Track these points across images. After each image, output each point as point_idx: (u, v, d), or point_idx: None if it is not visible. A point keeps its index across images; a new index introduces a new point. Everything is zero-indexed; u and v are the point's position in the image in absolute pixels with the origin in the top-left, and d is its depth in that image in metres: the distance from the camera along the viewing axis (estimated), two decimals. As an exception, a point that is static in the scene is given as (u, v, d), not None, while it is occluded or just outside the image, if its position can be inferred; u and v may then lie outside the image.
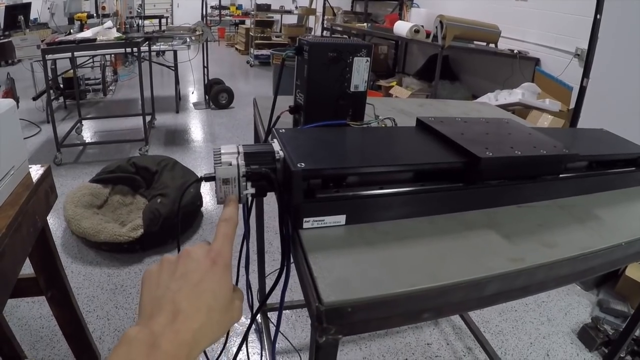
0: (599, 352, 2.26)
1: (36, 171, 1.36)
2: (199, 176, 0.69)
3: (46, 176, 1.38)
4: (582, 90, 3.22)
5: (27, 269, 1.49)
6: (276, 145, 0.75)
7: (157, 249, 2.81)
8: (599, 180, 1.05)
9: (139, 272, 2.60)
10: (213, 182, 0.68)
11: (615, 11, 3.09)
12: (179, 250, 0.98)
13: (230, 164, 0.68)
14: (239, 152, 0.70)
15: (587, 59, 3.16)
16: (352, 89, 1.06)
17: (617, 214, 0.96)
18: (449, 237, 0.78)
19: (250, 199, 0.73)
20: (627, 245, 0.84)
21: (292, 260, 0.74)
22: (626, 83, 3.23)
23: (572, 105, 3.71)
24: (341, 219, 0.74)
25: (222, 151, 0.70)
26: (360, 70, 1.05)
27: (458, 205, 0.85)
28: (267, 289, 2.20)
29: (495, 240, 0.78)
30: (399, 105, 1.58)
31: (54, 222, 3.11)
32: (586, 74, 3.18)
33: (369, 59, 1.05)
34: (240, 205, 0.69)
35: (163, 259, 0.56)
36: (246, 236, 1.01)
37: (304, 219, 0.72)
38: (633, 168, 1.10)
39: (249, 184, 0.69)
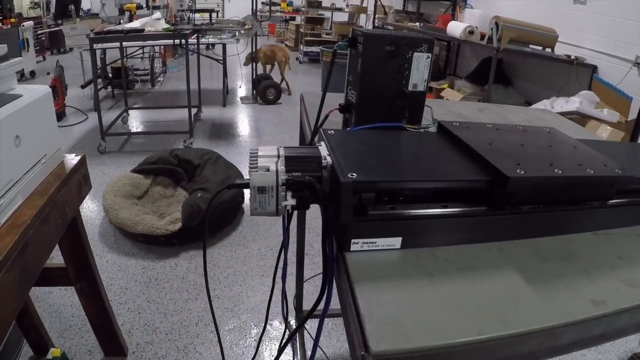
0: (650, 384, 2.08)
1: (70, 160, 1.31)
2: (234, 182, 0.59)
3: (80, 166, 1.33)
4: (645, 100, 3.01)
5: (59, 258, 1.46)
6: (323, 149, 0.64)
7: (195, 244, 2.74)
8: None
9: (175, 267, 2.55)
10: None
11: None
12: (204, 254, 0.89)
13: (268, 170, 0.57)
14: (279, 156, 0.60)
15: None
16: (410, 88, 0.94)
17: None
18: (521, 270, 0.66)
19: (290, 211, 0.62)
20: None
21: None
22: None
23: (631, 116, 3.46)
24: (396, 242, 0.63)
25: (260, 153, 0.60)
26: (420, 68, 0.93)
27: (529, 232, 0.73)
28: (305, 294, 2.13)
29: (572, 276, 0.67)
30: (457, 109, 1.45)
31: (94, 210, 3.11)
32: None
33: (430, 55, 0.94)
34: None
35: None
36: (285, 245, 0.91)
37: (352, 240, 0.60)
38: None
39: (289, 193, 0.59)
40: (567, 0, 4.42)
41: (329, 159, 0.62)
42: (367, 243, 0.61)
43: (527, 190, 0.71)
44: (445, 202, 0.68)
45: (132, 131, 4.90)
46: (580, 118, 3.57)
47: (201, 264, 2.57)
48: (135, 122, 5.21)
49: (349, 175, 0.58)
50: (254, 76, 6.25)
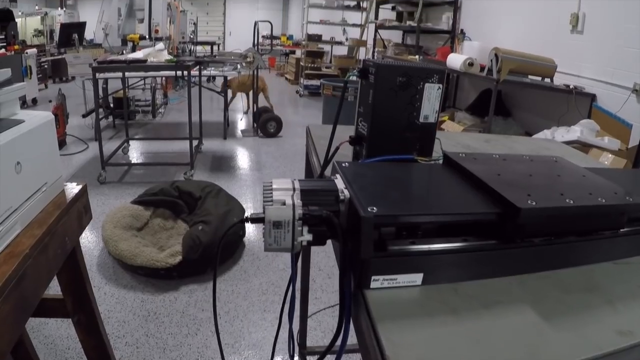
0: None
1: (71, 190, 1.28)
2: (245, 216, 0.56)
3: (81, 195, 1.30)
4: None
5: (56, 289, 1.43)
6: (339, 183, 0.62)
7: (195, 278, 2.70)
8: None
9: (174, 300, 2.50)
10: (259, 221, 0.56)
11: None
12: (214, 288, 0.86)
13: (284, 204, 0.55)
14: (294, 189, 0.57)
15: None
16: (421, 120, 0.92)
17: None
18: (545, 303, 0.64)
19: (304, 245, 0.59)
20: None
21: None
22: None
23: (631, 143, 3.47)
24: (417, 278, 0.60)
25: (274, 186, 0.57)
26: (431, 99, 0.92)
27: (548, 264, 0.71)
28: (308, 330, 2.08)
29: (597, 307, 0.65)
30: (464, 141, 1.44)
31: (93, 241, 3.07)
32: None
33: (441, 85, 0.92)
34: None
35: None
36: (293, 279, 0.88)
37: (373, 277, 0.57)
38: None
39: (305, 228, 0.56)
40: (565, 30, 4.46)
41: (346, 192, 0.60)
42: (387, 280, 0.58)
43: (539, 221, 0.69)
44: (460, 236, 0.65)
45: (132, 162, 4.89)
46: (582, 147, 3.58)
47: (201, 298, 2.52)
48: (136, 152, 5.21)
49: (369, 210, 0.55)
50: (255, 109, 6.28)
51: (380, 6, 8.27)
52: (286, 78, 12.42)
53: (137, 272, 2.70)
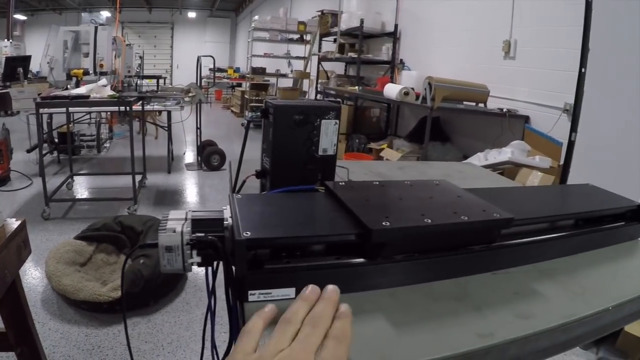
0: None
1: (10, 225, 1.33)
2: (140, 243, 0.66)
3: (20, 230, 1.35)
4: (571, 145, 3.17)
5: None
6: (227, 212, 0.73)
7: (138, 311, 2.72)
8: (585, 239, 0.97)
9: (118, 334, 2.52)
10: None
11: (601, 64, 3.16)
12: (125, 323, 0.92)
13: (174, 231, 0.65)
14: (186, 219, 0.67)
15: (575, 113, 3.14)
16: (320, 153, 1.04)
17: (604, 274, 0.89)
18: (411, 311, 0.71)
19: (196, 267, 0.69)
20: (615, 310, 0.77)
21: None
22: (616, 135, 3.30)
23: (562, 160, 3.69)
24: (290, 292, 0.69)
25: (170, 217, 0.68)
26: (328, 133, 1.04)
27: (423, 276, 0.80)
28: None
29: (463, 313, 0.72)
30: (377, 169, 1.55)
31: (37, 277, 3.06)
32: (574, 128, 3.14)
33: (337, 121, 1.04)
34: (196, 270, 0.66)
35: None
36: (210, 308, 0.95)
37: (249, 292, 0.67)
38: (622, 223, 1.04)
39: (194, 252, 0.66)
40: (498, 56, 4.72)
41: (230, 220, 0.70)
42: (263, 294, 0.68)
43: (397, 240, 0.76)
44: (337, 255, 0.75)
45: (76, 197, 4.87)
46: (514, 167, 3.78)
47: (144, 330, 2.55)
48: (80, 188, 5.18)
49: (244, 234, 0.65)
50: (199, 143, 6.34)
51: (323, 39, 8.51)
52: (232, 111, 12.49)
53: (81, 306, 2.71)
